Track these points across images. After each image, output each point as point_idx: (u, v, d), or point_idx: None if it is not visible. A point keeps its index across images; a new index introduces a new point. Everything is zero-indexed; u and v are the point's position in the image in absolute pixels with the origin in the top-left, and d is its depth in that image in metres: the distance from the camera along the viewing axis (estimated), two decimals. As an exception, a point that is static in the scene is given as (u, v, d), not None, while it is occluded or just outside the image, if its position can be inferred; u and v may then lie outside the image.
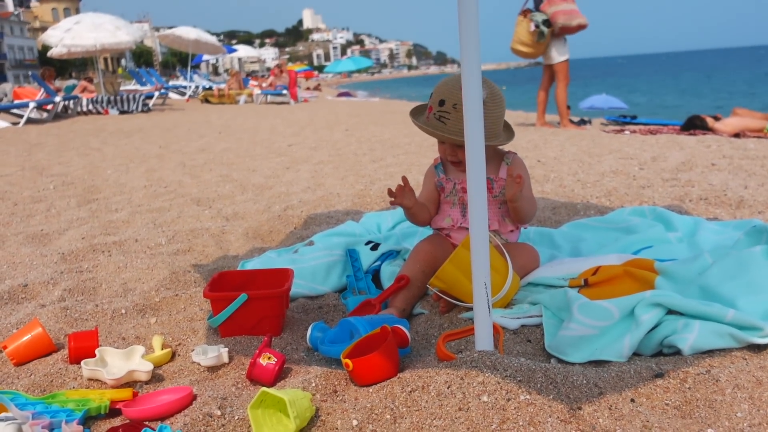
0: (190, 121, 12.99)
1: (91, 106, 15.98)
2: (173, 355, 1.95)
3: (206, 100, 19.95)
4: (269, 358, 1.70)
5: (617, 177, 4.58)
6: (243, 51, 36.18)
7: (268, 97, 19.57)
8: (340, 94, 27.16)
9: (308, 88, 34.69)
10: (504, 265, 2.04)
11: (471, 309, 2.00)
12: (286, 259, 2.64)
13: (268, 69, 20.82)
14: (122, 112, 15.81)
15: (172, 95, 22.81)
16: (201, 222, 3.74)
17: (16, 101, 15.41)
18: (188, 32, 21.09)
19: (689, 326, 1.66)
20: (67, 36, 15.79)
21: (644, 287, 1.97)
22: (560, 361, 1.74)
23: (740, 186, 3.99)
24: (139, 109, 15.98)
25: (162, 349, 1.95)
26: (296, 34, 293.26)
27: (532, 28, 8.37)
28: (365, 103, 20.98)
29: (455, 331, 1.75)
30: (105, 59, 79.51)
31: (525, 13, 8.53)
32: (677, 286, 1.91)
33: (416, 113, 2.34)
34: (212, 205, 4.24)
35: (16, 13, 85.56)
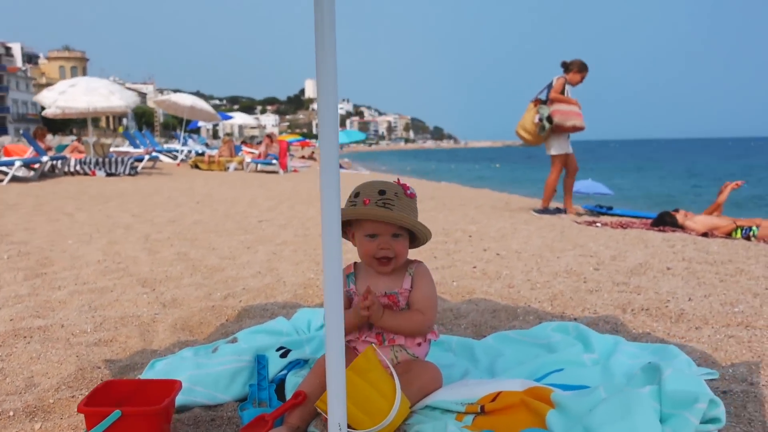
0: (173, 187, 13.07)
1: (79, 167, 16.11)
2: (43, 471, 1.87)
3: (196, 166, 20.15)
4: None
5: (569, 278, 4.56)
6: (239, 118, 36.85)
7: (258, 165, 19.78)
8: (332, 166, 27.42)
9: (303, 157, 35.12)
10: (393, 388, 1.99)
11: (359, 434, 1.94)
12: (194, 362, 2.56)
13: (269, 136, 21.13)
14: (109, 174, 15.92)
15: (164, 158, 23.03)
16: (136, 307, 3.68)
17: (5, 158, 15.53)
18: (184, 99, 21.51)
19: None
20: (61, 98, 16.08)
21: (536, 420, 1.92)
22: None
23: (686, 296, 3.96)
24: (126, 171, 16.12)
25: (34, 463, 1.87)
26: (297, 102, 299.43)
27: (536, 120, 8.82)
28: (355, 176, 21.15)
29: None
30: (107, 118, 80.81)
31: (536, 102, 9.07)
32: (567, 421, 1.86)
33: (350, 211, 2.27)
34: (156, 288, 4.19)
35: (23, 68, 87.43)
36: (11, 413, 2.22)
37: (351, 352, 2.32)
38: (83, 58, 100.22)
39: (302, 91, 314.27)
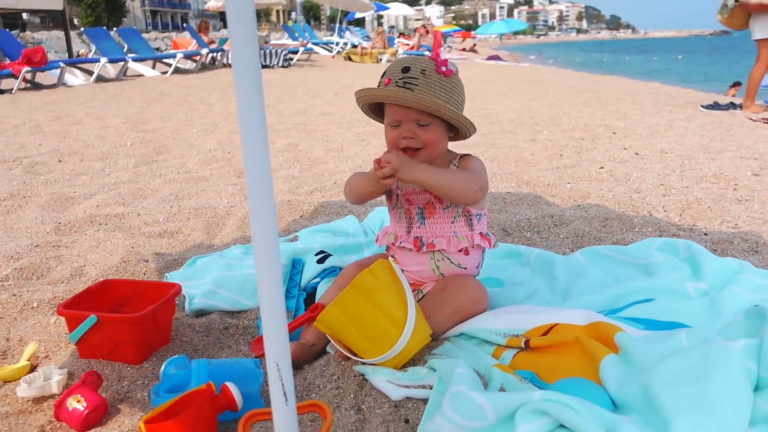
0: (319, 79, 13.02)
1: (236, 59, 16.54)
2: (33, 369, 1.75)
3: (349, 58, 20.03)
4: (79, 400, 1.44)
5: (716, 184, 3.81)
6: (397, 9, 35.90)
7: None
8: (490, 58, 26.22)
9: (463, 49, 33.86)
10: (406, 311, 1.61)
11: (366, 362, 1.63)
12: (225, 263, 2.33)
13: (423, 26, 20.31)
14: (264, 66, 16.21)
15: (321, 51, 23.13)
16: (218, 198, 3.55)
17: (171, 51, 16.32)
18: (338, -11, 21.14)
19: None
20: (219, -10, 16.37)
21: (588, 366, 1.48)
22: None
23: None
24: (280, 63, 16.31)
25: (29, 361, 1.76)
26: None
27: None
28: (511, 68, 20.00)
29: (262, 410, 1.37)
30: (277, 12, 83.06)
31: None
32: (624, 373, 1.40)
33: (362, 91, 1.87)
34: (249, 179, 4.05)
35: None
36: (35, 304, 2.14)
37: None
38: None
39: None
